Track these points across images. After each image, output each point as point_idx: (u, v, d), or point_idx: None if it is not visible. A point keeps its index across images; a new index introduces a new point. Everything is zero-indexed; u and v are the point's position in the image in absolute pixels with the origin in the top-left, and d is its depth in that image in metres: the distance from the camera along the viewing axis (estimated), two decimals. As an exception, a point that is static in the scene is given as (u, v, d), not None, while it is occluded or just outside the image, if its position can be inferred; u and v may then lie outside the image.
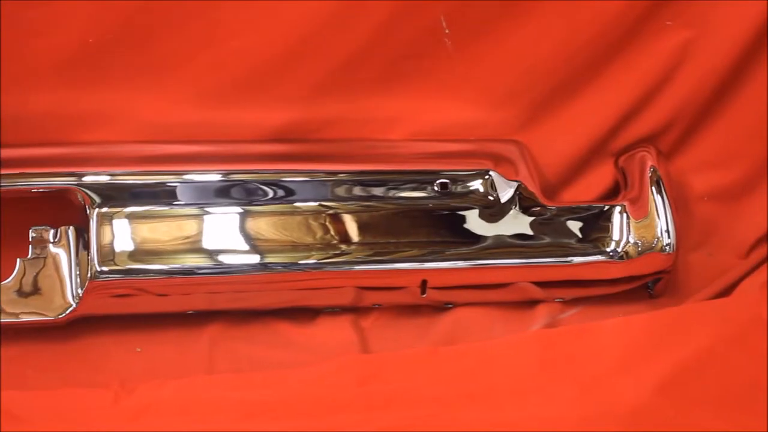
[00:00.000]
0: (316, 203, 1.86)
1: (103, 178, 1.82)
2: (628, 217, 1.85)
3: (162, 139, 1.88)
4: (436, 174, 1.90)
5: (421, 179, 1.89)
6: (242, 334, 1.87)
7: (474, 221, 1.86)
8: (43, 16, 1.78)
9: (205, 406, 1.68)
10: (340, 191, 1.87)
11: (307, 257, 1.84)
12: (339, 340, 1.85)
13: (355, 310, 1.88)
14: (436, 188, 1.85)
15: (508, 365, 1.72)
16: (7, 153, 1.80)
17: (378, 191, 1.87)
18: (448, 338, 1.86)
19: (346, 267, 1.84)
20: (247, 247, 1.83)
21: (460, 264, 1.85)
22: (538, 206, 1.88)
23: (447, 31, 1.83)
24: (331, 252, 1.84)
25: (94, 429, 1.65)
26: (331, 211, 1.84)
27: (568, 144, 1.91)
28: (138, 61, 1.83)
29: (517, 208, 1.88)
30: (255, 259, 1.82)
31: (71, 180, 1.81)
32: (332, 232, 1.84)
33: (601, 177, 1.94)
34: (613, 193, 1.94)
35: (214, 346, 1.84)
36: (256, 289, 1.85)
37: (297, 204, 1.86)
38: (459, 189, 1.87)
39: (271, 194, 1.86)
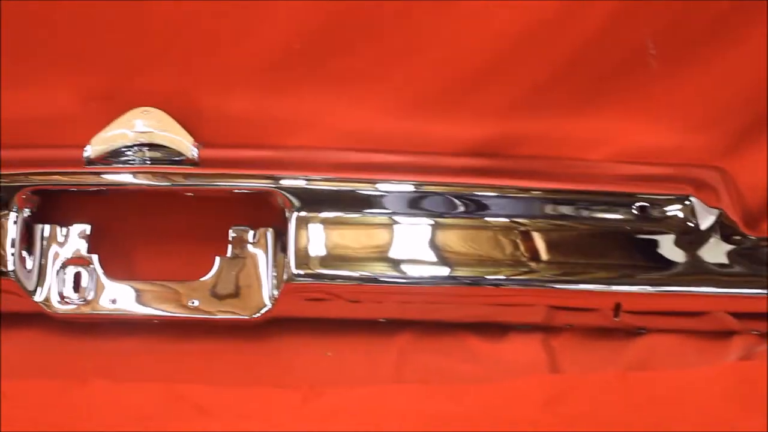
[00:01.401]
0: (508, 219, 1.87)
1: (300, 183, 1.86)
2: (832, 252, 1.80)
3: (358, 147, 1.93)
4: (634, 197, 1.90)
5: (619, 201, 1.89)
6: (432, 345, 1.90)
7: (671, 247, 1.86)
8: (249, 19, 1.85)
9: (391, 415, 1.73)
10: (533, 209, 1.89)
11: (496, 273, 1.86)
12: (528, 358, 1.87)
13: (545, 328, 1.90)
14: (634, 211, 1.84)
15: (700, 396, 1.72)
16: (208, 153, 1.86)
17: (572, 211, 1.88)
18: (640, 364, 1.86)
19: (537, 285, 1.86)
20: (436, 259, 1.86)
21: (656, 289, 1.84)
22: (739, 235, 1.86)
23: (652, 52, 1.82)
24: (521, 269, 1.86)
25: (281, 429, 1.71)
26: (522, 228, 1.86)
27: (770, 173, 1.87)
28: (340, 69, 1.89)
29: (717, 236, 1.84)
30: (444, 271, 1.86)
31: (269, 183, 1.86)
32: (522, 249, 1.86)
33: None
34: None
35: (403, 355, 1.88)
36: (446, 301, 1.88)
37: (488, 219, 1.88)
38: (657, 213, 1.85)
39: (462, 208, 1.87)
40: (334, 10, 1.83)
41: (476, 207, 1.88)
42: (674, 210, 1.85)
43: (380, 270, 1.85)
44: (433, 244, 1.86)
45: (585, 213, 1.86)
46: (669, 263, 1.85)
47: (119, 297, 1.89)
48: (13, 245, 1.85)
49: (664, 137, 1.92)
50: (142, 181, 1.86)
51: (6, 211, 1.85)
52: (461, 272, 1.86)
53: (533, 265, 1.86)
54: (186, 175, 1.86)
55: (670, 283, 1.84)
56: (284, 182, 1.86)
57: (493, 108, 1.90)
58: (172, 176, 1.87)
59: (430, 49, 1.86)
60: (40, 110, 1.91)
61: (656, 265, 1.85)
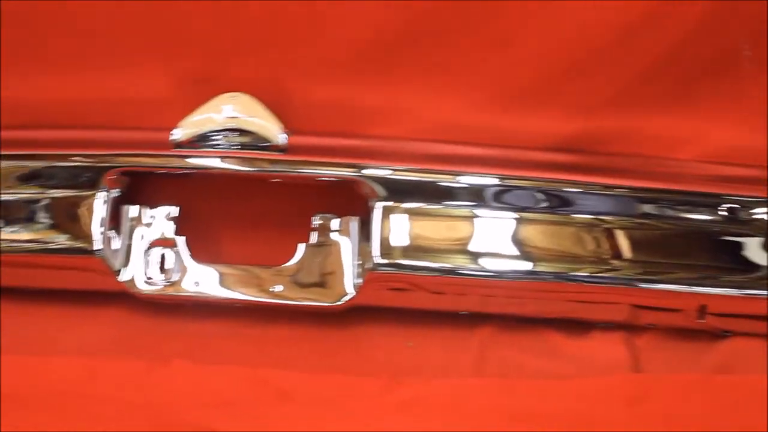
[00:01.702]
0: (592, 216, 1.87)
1: (385, 173, 1.87)
2: None
3: (445, 139, 1.93)
4: (722, 198, 1.89)
5: (706, 202, 1.89)
6: (513, 340, 1.91)
7: (758, 250, 1.87)
8: (344, 7, 1.87)
9: (469, 408, 1.74)
10: (618, 206, 1.89)
11: (579, 269, 1.87)
12: (610, 356, 1.87)
13: (628, 327, 1.90)
14: (721, 212, 1.84)
15: (785, 402, 1.65)
16: (296, 140, 1.89)
17: (658, 210, 1.88)
18: (724, 367, 1.85)
19: (621, 283, 1.86)
20: (519, 254, 1.87)
21: (742, 292, 1.84)
22: (831, 240, 1.79)
23: (747, 53, 1.81)
24: (604, 266, 1.86)
25: (360, 416, 1.73)
26: (606, 225, 1.86)
27: None
28: (431, 60, 1.90)
29: (807, 240, 1.78)
30: (527, 266, 1.87)
31: (354, 172, 1.87)
32: (606, 247, 1.87)
33: None
34: None
35: (484, 349, 1.89)
36: (528, 296, 1.89)
37: (572, 215, 1.88)
38: (745, 215, 1.85)
39: (546, 203, 1.88)
40: (428, 3, 1.85)
41: (560, 203, 1.88)
42: (762, 213, 1.85)
43: (463, 263, 1.86)
44: (517, 239, 1.87)
45: (671, 212, 1.86)
46: (756, 266, 1.85)
47: (203, 279, 1.90)
48: (101, 225, 1.88)
49: (755, 138, 1.91)
50: (228, 165, 1.89)
51: (95, 191, 1.87)
52: (543, 267, 1.87)
53: (617, 262, 1.86)
54: (272, 161, 1.88)
55: (756, 286, 1.84)
56: (369, 171, 1.88)
57: (583, 104, 1.90)
58: (258, 162, 1.88)
59: (522, 43, 1.86)
60: (134, 92, 1.94)
61: (743, 268, 1.85)
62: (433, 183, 1.89)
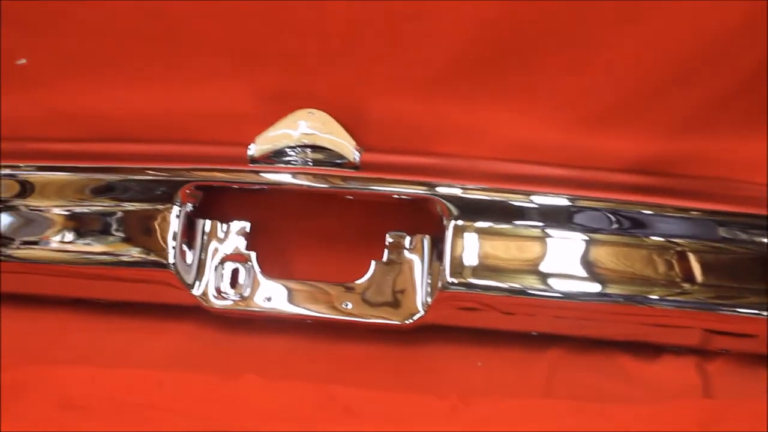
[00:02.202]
0: (665, 238, 1.87)
1: (457, 191, 1.89)
2: None
3: (521, 158, 1.95)
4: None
5: (779, 227, 1.81)
6: (583, 362, 1.91)
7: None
8: (424, 27, 1.89)
9: (538, 429, 1.75)
10: (692, 229, 1.89)
11: (650, 292, 1.87)
12: (681, 381, 1.87)
13: (700, 352, 1.90)
14: (795, 237, 1.81)
15: None
16: (370, 157, 1.91)
17: (732, 234, 1.88)
18: (798, 395, 1.78)
19: (692, 307, 1.85)
20: (590, 275, 1.87)
21: (819, 319, 1.76)
22: None
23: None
24: (675, 290, 1.86)
25: (429, 436, 1.67)
26: (679, 248, 1.86)
27: None
28: (511, 80, 1.91)
29: None
30: (598, 288, 1.87)
31: (427, 190, 1.89)
32: (678, 270, 1.87)
33: None
34: None
35: (554, 370, 1.90)
36: (598, 318, 1.89)
37: (645, 237, 1.88)
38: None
39: (618, 225, 1.87)
40: (510, 21, 1.85)
41: (633, 224, 1.88)
42: (840, 238, 1.79)
43: (534, 283, 1.87)
44: (588, 260, 1.88)
45: (745, 236, 1.86)
46: (831, 292, 1.77)
47: (274, 295, 1.93)
48: (174, 238, 1.91)
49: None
50: (302, 181, 1.91)
51: (170, 205, 1.90)
52: (614, 290, 1.87)
53: (689, 286, 1.85)
54: (345, 178, 1.90)
55: (833, 313, 1.75)
56: (442, 190, 1.89)
57: (660, 126, 1.90)
58: (331, 178, 1.91)
59: (602, 65, 1.87)
60: (212, 107, 1.97)
61: (818, 294, 1.76)
62: (506, 203, 1.90)
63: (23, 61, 1.94)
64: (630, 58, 1.85)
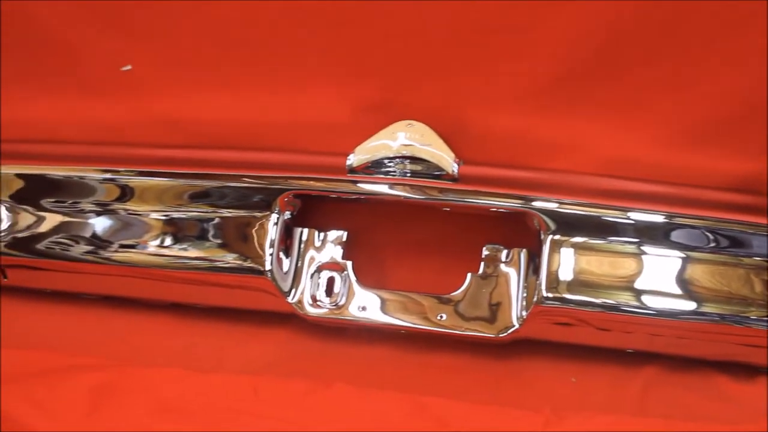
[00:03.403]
0: (762, 258, 1.89)
1: (553, 206, 1.93)
2: None
3: (619, 174, 1.97)
4: None
5: None
6: (678, 380, 1.93)
7: None
8: (524, 41, 1.93)
9: (631, 446, 1.72)
10: (792, 249, 1.82)
11: (747, 312, 1.88)
12: (778, 403, 1.81)
13: (799, 374, 1.84)
14: None
15: None
16: (468, 170, 1.96)
17: None
18: None
19: (791, 329, 1.79)
20: (686, 293, 1.90)
21: None
22: None
23: None
24: (773, 311, 1.79)
25: (521, 450, 1.70)
26: None
27: None
28: (610, 96, 1.94)
29: None
30: (692, 306, 1.90)
31: (524, 204, 1.93)
32: (775, 290, 1.80)
33: None
34: None
35: (649, 388, 1.92)
36: (694, 337, 1.91)
37: (742, 257, 1.90)
38: None
39: (716, 243, 1.90)
40: (611, 34, 1.88)
41: (731, 243, 1.90)
42: None
43: (630, 300, 1.89)
44: (684, 278, 1.90)
45: None
46: None
47: (369, 305, 1.99)
48: (271, 246, 1.97)
49: None
50: (399, 192, 1.96)
51: (268, 213, 1.96)
52: (711, 309, 1.89)
53: (785, 308, 1.78)
54: (442, 190, 1.95)
55: None
56: (539, 204, 1.93)
57: (761, 144, 1.91)
58: (429, 190, 1.95)
59: (704, 82, 1.89)
60: (311, 116, 2.02)
61: None
62: (603, 218, 1.93)
63: (128, 67, 2.00)
64: (732, 75, 1.88)
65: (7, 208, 2.09)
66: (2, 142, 2.12)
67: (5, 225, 2.08)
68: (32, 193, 2.09)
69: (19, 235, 2.09)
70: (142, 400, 1.89)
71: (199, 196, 2.03)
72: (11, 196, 2.10)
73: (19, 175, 2.11)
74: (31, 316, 2.11)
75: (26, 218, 2.09)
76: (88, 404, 1.86)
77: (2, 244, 2.07)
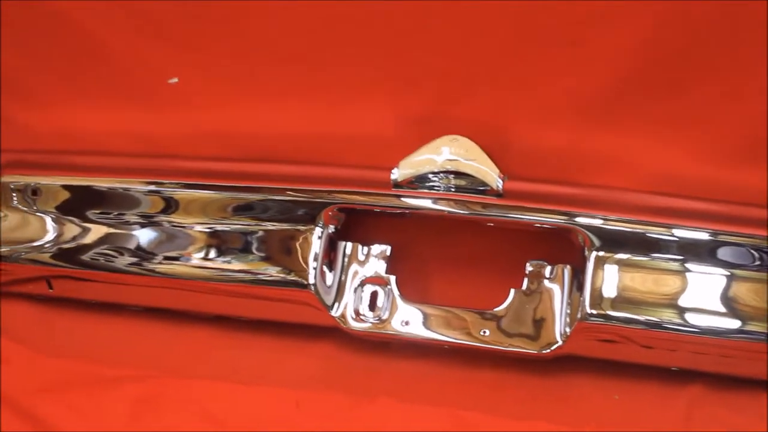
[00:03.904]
0: (808, 278, 1.81)
1: (598, 222, 1.93)
2: None
3: (665, 191, 1.98)
4: None
5: None
6: (724, 400, 1.93)
7: None
8: (568, 56, 1.95)
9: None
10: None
11: (791, 331, 1.79)
12: (825, 423, 1.81)
13: None
14: None
15: None
16: (513, 185, 1.97)
17: None
18: None
19: (837, 350, 1.79)
20: (731, 312, 1.90)
21: None
22: None
23: None
24: (816, 330, 1.79)
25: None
26: None
27: None
28: (659, 111, 1.96)
29: None
30: (737, 324, 1.90)
31: (567, 220, 1.94)
32: (820, 310, 1.79)
33: None
34: None
35: (693, 407, 1.93)
36: (740, 356, 1.91)
37: (787, 276, 1.82)
38: None
39: (761, 261, 1.90)
40: (660, 52, 1.90)
41: (773, 261, 1.81)
42: None
43: (674, 318, 1.89)
44: (729, 297, 1.90)
45: None
46: None
47: (412, 319, 2.00)
48: (315, 259, 1.99)
49: None
50: (444, 207, 1.97)
51: (312, 226, 1.98)
52: (756, 327, 1.88)
53: (829, 327, 1.78)
54: (486, 205, 1.96)
55: None
56: (583, 220, 1.93)
57: None
58: (472, 205, 1.96)
59: (753, 98, 1.89)
60: (356, 129, 2.06)
61: None
62: (648, 235, 1.93)
63: (175, 80, 2.03)
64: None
65: (53, 219, 2.10)
66: (49, 153, 2.15)
67: (51, 236, 2.10)
68: (78, 204, 2.13)
69: (65, 246, 2.12)
70: (184, 411, 1.93)
71: (243, 209, 2.05)
72: (57, 207, 2.14)
73: (65, 186, 2.15)
74: (75, 327, 2.15)
75: (72, 229, 2.12)
76: (129, 415, 1.91)
77: (48, 254, 2.08)
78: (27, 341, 2.11)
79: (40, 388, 1.97)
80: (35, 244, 2.13)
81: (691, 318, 1.88)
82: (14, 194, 2.16)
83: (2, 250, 2.13)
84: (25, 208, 2.15)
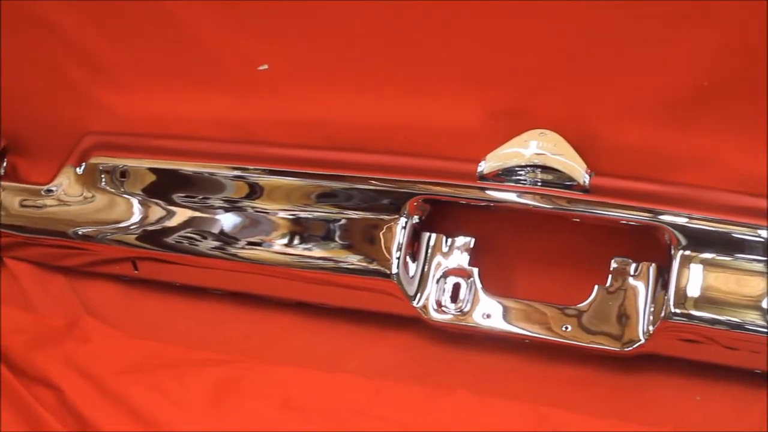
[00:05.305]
0: None
1: (683, 220, 1.96)
2: None
3: (750, 191, 2.00)
4: None
5: None
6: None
7: None
8: (657, 54, 1.98)
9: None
10: None
11: None
12: None
13: None
14: None
15: None
16: (599, 181, 2.00)
17: None
18: None
19: None
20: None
21: None
22: None
23: None
24: None
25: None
26: None
27: None
28: (745, 110, 1.98)
29: None
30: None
31: (652, 217, 1.96)
32: None
33: None
34: None
35: (776, 408, 1.87)
36: (825, 360, 1.85)
37: None
38: None
39: None
40: (747, 52, 1.91)
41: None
42: None
43: (759, 320, 1.91)
44: (815, 300, 1.82)
45: None
46: None
47: (493, 312, 2.04)
48: (399, 249, 2.04)
49: None
50: (529, 201, 2.01)
51: (396, 216, 2.03)
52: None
53: None
54: (572, 201, 1.99)
55: None
56: (669, 218, 1.96)
57: None
58: (558, 200, 2.00)
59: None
60: (443, 121, 2.10)
61: None
62: (733, 235, 1.95)
63: (265, 66, 2.09)
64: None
65: (139, 201, 2.18)
66: (136, 136, 2.23)
67: (137, 218, 2.16)
68: (164, 187, 2.21)
69: (150, 228, 2.18)
70: (264, 395, 1.99)
71: (327, 197, 2.11)
72: (143, 190, 2.22)
73: (151, 169, 2.22)
74: (160, 309, 2.23)
75: (157, 212, 2.19)
76: (210, 397, 1.97)
77: (134, 236, 2.15)
78: (111, 321, 2.18)
79: (123, 369, 2.04)
80: (121, 225, 2.18)
81: (770, 320, 1.81)
82: (102, 176, 2.23)
83: (89, 230, 2.19)
84: (113, 190, 2.21)
